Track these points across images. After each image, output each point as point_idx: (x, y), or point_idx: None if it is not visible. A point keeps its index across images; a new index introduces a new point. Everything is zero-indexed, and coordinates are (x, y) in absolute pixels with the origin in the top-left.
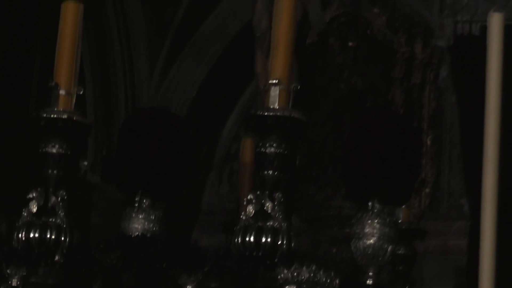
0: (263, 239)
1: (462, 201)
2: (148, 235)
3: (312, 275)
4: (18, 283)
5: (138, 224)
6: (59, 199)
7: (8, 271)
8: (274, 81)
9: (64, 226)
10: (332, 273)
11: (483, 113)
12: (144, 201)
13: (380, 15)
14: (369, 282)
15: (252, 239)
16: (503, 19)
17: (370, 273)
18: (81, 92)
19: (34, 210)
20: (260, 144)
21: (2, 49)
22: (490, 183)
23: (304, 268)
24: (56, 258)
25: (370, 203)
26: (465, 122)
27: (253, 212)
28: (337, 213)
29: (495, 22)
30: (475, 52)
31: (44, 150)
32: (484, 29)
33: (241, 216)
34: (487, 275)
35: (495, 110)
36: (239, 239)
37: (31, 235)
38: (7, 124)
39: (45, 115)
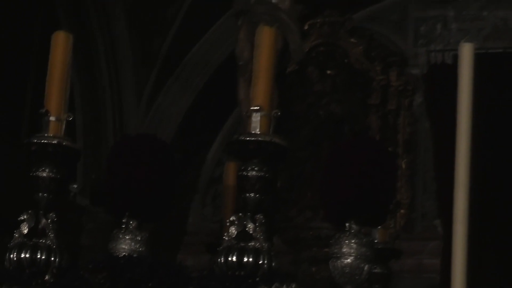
0: (245, 259)
1: (436, 222)
2: (135, 255)
3: None
4: None
5: (125, 245)
6: (49, 221)
7: None
8: (256, 108)
9: (54, 247)
10: None
11: (455, 138)
12: (131, 223)
13: (357, 45)
14: None
15: (234, 259)
16: (473, 49)
17: None
18: (71, 119)
19: (25, 231)
20: (243, 168)
21: None
22: (462, 205)
23: (285, 286)
24: (47, 278)
25: (347, 225)
26: (438, 147)
27: (236, 233)
28: (316, 234)
29: (466, 52)
30: (448, 79)
31: (35, 174)
32: (456, 58)
33: (224, 237)
34: None
35: (466, 136)
36: (222, 259)
37: (23, 255)
38: (1, 151)
39: (36, 141)
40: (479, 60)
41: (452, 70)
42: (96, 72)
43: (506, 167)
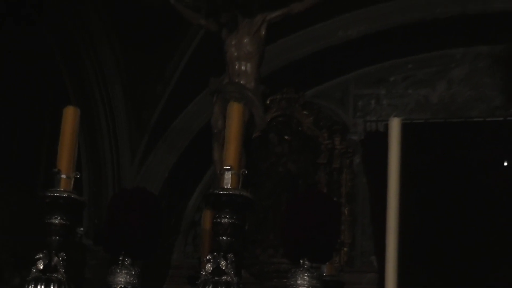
0: None
1: (372, 258)
2: (129, 287)
3: None
4: None
5: (122, 278)
6: (60, 259)
7: None
8: (227, 167)
9: (64, 280)
10: None
11: (386, 191)
12: (126, 260)
13: (308, 116)
14: None
15: None
16: (400, 122)
17: None
18: (78, 176)
19: (41, 267)
20: (217, 215)
21: (17, 145)
22: (392, 245)
23: None
24: None
25: (301, 261)
26: (373, 198)
27: (211, 269)
28: (277, 268)
29: (394, 125)
30: (381, 144)
31: (48, 221)
32: (387, 127)
33: (202, 272)
34: None
35: (395, 189)
36: None
37: (39, 287)
38: (20, 201)
39: (49, 194)
40: (405, 129)
41: (384, 137)
42: (98, 137)
43: (428, 213)
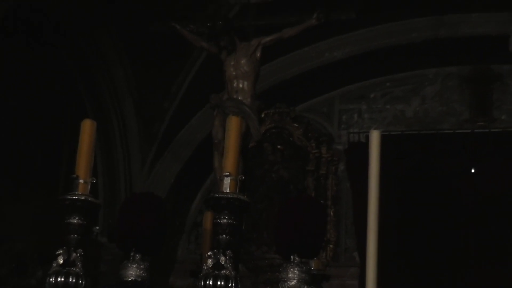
0: (218, 283)
1: (354, 254)
2: (139, 279)
3: None
4: None
5: (132, 271)
6: (78, 254)
7: None
8: (226, 174)
9: (81, 273)
10: None
11: (367, 194)
12: (136, 255)
13: (298, 128)
14: None
15: (211, 283)
16: (379, 134)
17: None
18: (94, 181)
19: (61, 262)
20: (217, 216)
21: (40, 154)
22: (372, 243)
23: None
24: None
25: (292, 257)
26: (356, 201)
27: (212, 264)
28: (270, 263)
29: (374, 137)
30: (362, 153)
31: (68, 221)
32: (368, 138)
33: (204, 267)
34: None
35: (375, 193)
36: (202, 282)
37: (59, 279)
38: (43, 204)
39: (69, 197)
40: (384, 140)
41: (365, 147)
42: (112, 147)
43: (404, 214)
